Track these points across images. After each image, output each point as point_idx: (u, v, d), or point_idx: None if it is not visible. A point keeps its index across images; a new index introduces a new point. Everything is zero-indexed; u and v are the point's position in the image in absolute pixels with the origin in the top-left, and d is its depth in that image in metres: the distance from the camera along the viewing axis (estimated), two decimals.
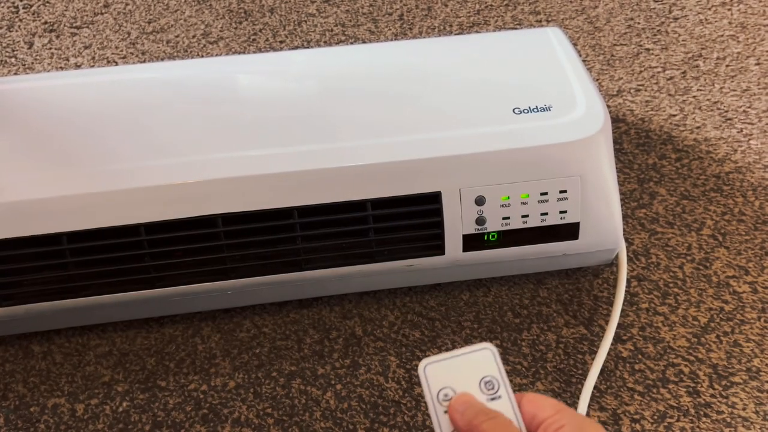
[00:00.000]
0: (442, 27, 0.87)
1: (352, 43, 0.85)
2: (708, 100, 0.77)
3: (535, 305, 0.60)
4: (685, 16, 0.87)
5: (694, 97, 0.77)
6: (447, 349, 0.58)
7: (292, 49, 0.84)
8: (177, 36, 0.86)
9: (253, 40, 0.86)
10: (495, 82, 0.59)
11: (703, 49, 0.83)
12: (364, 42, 0.85)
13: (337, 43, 0.85)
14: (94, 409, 0.55)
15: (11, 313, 0.54)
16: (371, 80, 0.60)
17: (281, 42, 0.85)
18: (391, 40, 0.85)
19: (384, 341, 0.58)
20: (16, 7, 0.91)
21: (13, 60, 0.84)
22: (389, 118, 0.56)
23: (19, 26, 0.88)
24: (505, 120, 0.56)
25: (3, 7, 0.91)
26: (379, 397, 0.55)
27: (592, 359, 0.56)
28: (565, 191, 0.55)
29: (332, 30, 0.87)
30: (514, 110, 0.56)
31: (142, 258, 0.53)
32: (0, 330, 0.57)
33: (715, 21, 0.86)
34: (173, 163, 0.53)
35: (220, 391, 0.56)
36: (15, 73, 0.82)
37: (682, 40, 0.84)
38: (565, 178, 0.54)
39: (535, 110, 0.56)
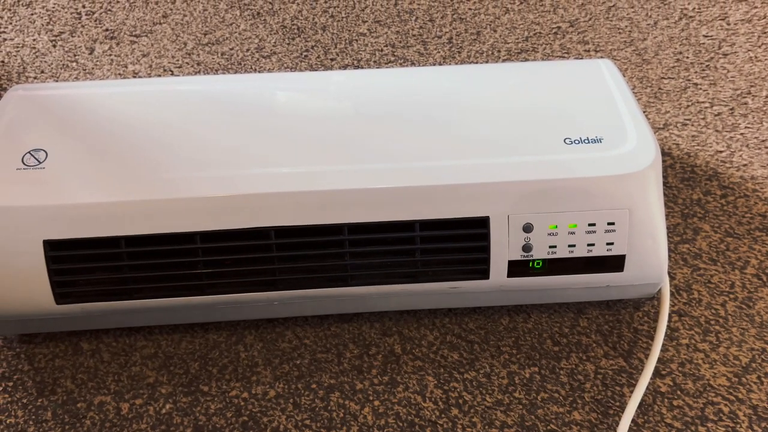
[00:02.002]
0: (490, 52, 0.88)
1: (401, 64, 0.87)
2: (756, 138, 0.77)
3: (574, 334, 0.61)
4: (735, 52, 0.87)
5: (741, 134, 0.77)
6: (485, 373, 0.58)
7: (343, 67, 0.86)
8: (231, 49, 0.89)
9: (305, 56, 0.88)
10: (547, 112, 0.60)
11: (752, 86, 0.83)
12: (413, 63, 0.87)
13: (386, 63, 0.87)
14: (138, 409, 0.56)
15: (66, 311, 0.56)
16: (425, 103, 0.61)
17: (332, 60, 0.87)
18: (440, 62, 0.87)
19: (422, 361, 0.59)
20: (79, 13, 0.94)
21: (74, 64, 0.87)
22: (442, 141, 0.57)
23: (81, 32, 0.91)
24: (556, 149, 0.56)
25: (66, 12, 0.94)
26: (416, 416, 0.56)
27: (631, 392, 0.56)
28: (613, 223, 0.55)
29: (382, 50, 0.88)
30: (565, 140, 0.57)
31: (195, 265, 0.55)
32: (53, 327, 0.59)
33: (765, 59, 0.86)
34: (231, 174, 0.55)
35: (261, 400, 0.57)
36: (76, 78, 0.85)
37: (731, 77, 0.84)
38: (613, 210, 0.55)
39: (586, 141, 0.57)
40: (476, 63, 0.87)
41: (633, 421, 0.55)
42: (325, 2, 0.96)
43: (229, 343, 0.61)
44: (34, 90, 0.63)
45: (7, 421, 0.55)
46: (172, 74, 0.85)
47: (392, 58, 0.87)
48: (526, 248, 0.56)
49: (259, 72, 0.85)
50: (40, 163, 0.56)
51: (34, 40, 0.90)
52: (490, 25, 0.92)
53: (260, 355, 0.60)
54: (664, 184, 0.72)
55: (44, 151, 0.57)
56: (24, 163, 0.56)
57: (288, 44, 0.89)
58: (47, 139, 0.58)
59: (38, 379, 0.58)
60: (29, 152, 0.57)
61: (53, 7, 0.95)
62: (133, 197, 0.54)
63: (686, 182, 0.73)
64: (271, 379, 0.58)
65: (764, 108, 0.80)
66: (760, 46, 0.88)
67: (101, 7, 0.95)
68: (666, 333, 0.60)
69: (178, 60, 0.87)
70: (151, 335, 0.61)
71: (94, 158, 0.57)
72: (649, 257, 0.57)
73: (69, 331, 0.61)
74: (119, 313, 0.57)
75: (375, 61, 0.87)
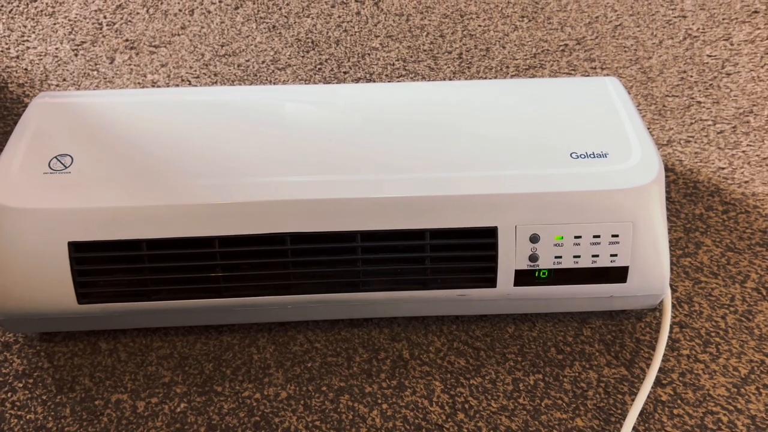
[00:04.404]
0: (499, 68, 0.90)
1: (412, 78, 0.89)
2: (757, 155, 0.79)
3: (578, 343, 0.62)
4: (738, 72, 0.89)
5: (743, 151, 0.79)
6: (491, 379, 0.60)
7: (355, 80, 0.88)
8: (247, 60, 0.91)
9: (319, 69, 0.90)
10: (554, 127, 0.62)
11: (754, 105, 0.85)
12: (424, 77, 0.89)
13: (398, 77, 0.89)
14: (154, 407, 0.58)
15: (87, 311, 0.58)
16: (437, 117, 0.63)
17: (345, 73, 0.90)
18: (450, 77, 0.89)
19: (430, 366, 0.61)
20: (101, 24, 0.97)
21: (95, 73, 0.89)
22: (453, 153, 0.59)
23: (102, 42, 0.94)
24: (562, 163, 0.58)
25: (88, 23, 0.97)
26: (423, 419, 0.57)
27: (632, 400, 0.58)
28: (617, 236, 0.57)
29: (394, 64, 0.91)
30: (571, 154, 0.59)
31: (213, 268, 0.57)
32: (73, 326, 0.61)
33: (767, 79, 0.88)
34: (249, 182, 0.57)
35: (272, 401, 0.58)
36: (96, 86, 0.88)
37: (734, 96, 0.86)
38: (618, 223, 0.57)
39: (592, 156, 0.59)
40: (486, 78, 0.89)
41: (634, 428, 0.56)
42: (339, 17, 0.98)
43: (243, 345, 0.62)
44: (59, 97, 0.66)
45: (27, 417, 0.57)
46: (190, 84, 0.88)
47: (403, 72, 0.90)
48: (533, 258, 0.57)
49: (274, 83, 0.88)
50: (66, 167, 0.58)
51: (56, 49, 0.93)
52: (499, 41, 0.94)
53: (272, 357, 0.61)
54: (667, 199, 0.74)
55: (70, 156, 0.59)
56: (51, 168, 0.58)
57: (302, 57, 0.92)
58: (73, 144, 0.60)
59: (57, 376, 0.60)
60: (56, 157, 0.59)
61: (75, 18, 0.98)
62: (155, 202, 0.56)
63: (689, 197, 0.74)
64: (283, 381, 0.60)
65: (766, 126, 0.82)
66: (762, 67, 0.90)
67: (122, 18, 0.98)
68: (667, 344, 0.61)
69: (195, 70, 0.90)
70: (167, 336, 0.63)
71: (118, 164, 0.59)
72: (652, 269, 0.58)
73: (88, 330, 0.63)
74: (138, 313, 0.59)
75: (387, 75, 0.89)
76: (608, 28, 0.96)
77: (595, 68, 0.90)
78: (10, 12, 0.98)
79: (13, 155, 0.59)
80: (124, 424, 0.57)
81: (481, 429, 0.56)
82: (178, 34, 0.95)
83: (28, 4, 0.99)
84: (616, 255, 0.57)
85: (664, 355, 0.61)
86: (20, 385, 0.59)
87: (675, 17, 0.98)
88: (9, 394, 0.59)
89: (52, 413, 0.58)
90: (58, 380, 0.60)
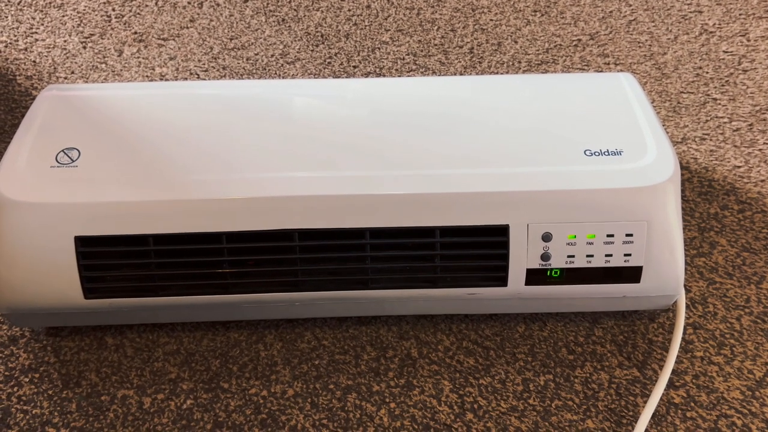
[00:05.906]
0: (510, 63, 0.89)
1: (423, 73, 0.88)
2: None
3: (589, 344, 0.61)
4: (755, 68, 0.88)
5: (759, 150, 0.78)
6: (500, 379, 0.59)
7: (365, 74, 0.87)
8: (256, 54, 0.90)
9: (329, 63, 0.89)
10: (568, 123, 0.61)
11: None
12: (434, 72, 0.88)
13: (408, 72, 0.88)
14: (160, 403, 0.58)
15: (94, 305, 0.58)
16: (448, 113, 0.62)
17: (354, 67, 0.89)
18: (461, 72, 0.88)
19: (438, 365, 0.60)
20: (109, 16, 0.96)
21: (103, 66, 0.89)
22: (464, 150, 0.59)
23: (111, 34, 0.93)
24: (576, 161, 0.57)
25: (97, 15, 0.96)
26: (431, 419, 0.56)
27: (644, 402, 0.57)
28: (631, 235, 0.56)
29: (404, 59, 0.90)
30: (585, 152, 0.58)
31: (220, 264, 0.56)
32: (80, 321, 0.61)
33: None
34: (257, 177, 0.57)
35: (279, 398, 0.58)
36: (104, 79, 0.87)
37: (750, 93, 0.84)
38: (632, 222, 0.56)
39: (606, 154, 0.58)
40: (497, 73, 0.88)
41: (646, 431, 0.55)
42: (349, 10, 0.97)
43: (250, 341, 0.62)
44: (67, 90, 0.65)
45: (33, 412, 0.57)
46: (198, 78, 0.87)
47: (414, 67, 0.89)
48: (545, 257, 0.56)
49: (283, 78, 0.87)
50: (73, 161, 0.58)
51: (65, 41, 0.92)
52: (511, 36, 0.93)
53: (280, 354, 0.61)
54: (682, 197, 0.73)
55: (77, 149, 0.59)
56: (57, 161, 0.58)
57: (312, 51, 0.91)
58: (80, 138, 0.60)
59: (64, 371, 0.60)
60: (63, 151, 0.59)
61: (84, 10, 0.97)
62: (162, 197, 0.56)
63: (704, 196, 0.73)
64: (290, 379, 0.59)
65: None
66: None
67: (130, 11, 0.97)
68: (681, 345, 0.60)
69: (204, 64, 0.89)
70: (173, 332, 0.63)
71: (125, 158, 0.58)
72: (666, 269, 0.57)
73: (94, 325, 0.63)
74: (144, 309, 0.59)
75: (397, 70, 0.88)
76: (622, 23, 0.95)
77: (608, 64, 0.89)
78: (18, 4, 0.98)
79: (20, 149, 0.59)
80: (130, 420, 0.57)
81: (490, 430, 0.56)
82: (187, 27, 0.94)
83: None
84: (629, 255, 0.56)
85: (678, 356, 0.60)
86: (26, 379, 0.59)
87: (690, 12, 0.97)
88: (15, 389, 0.58)
89: (58, 408, 0.57)
90: (64, 375, 0.59)
